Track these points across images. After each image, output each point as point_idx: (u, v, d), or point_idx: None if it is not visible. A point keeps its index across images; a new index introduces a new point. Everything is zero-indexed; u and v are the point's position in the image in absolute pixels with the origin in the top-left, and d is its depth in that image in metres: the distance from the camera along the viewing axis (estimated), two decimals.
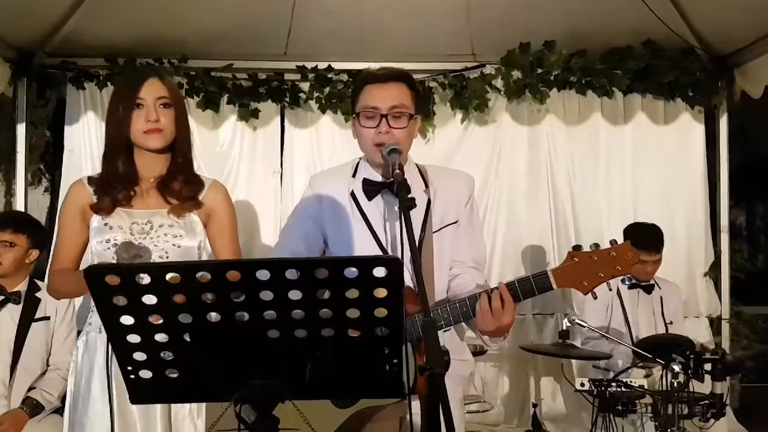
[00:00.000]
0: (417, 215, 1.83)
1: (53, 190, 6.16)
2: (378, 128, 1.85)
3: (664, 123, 4.41)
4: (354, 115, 1.94)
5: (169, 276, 1.08)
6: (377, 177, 1.94)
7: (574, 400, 4.17)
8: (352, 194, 1.93)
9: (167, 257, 1.97)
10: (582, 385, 2.62)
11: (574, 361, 3.71)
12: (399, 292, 1.09)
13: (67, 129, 4.37)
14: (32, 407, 2.81)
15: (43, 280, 3.05)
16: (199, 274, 1.09)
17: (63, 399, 2.97)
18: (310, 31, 4.27)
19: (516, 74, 4.31)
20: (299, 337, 1.15)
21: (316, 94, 4.46)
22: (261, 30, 4.25)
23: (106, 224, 1.97)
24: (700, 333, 4.12)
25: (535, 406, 3.99)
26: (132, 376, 1.20)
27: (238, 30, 4.22)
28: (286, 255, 1.96)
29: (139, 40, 4.23)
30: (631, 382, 2.54)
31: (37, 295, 2.89)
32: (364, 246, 1.86)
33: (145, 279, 1.09)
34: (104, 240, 1.96)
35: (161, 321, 1.14)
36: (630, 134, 4.40)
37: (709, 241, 4.40)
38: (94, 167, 4.31)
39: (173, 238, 1.98)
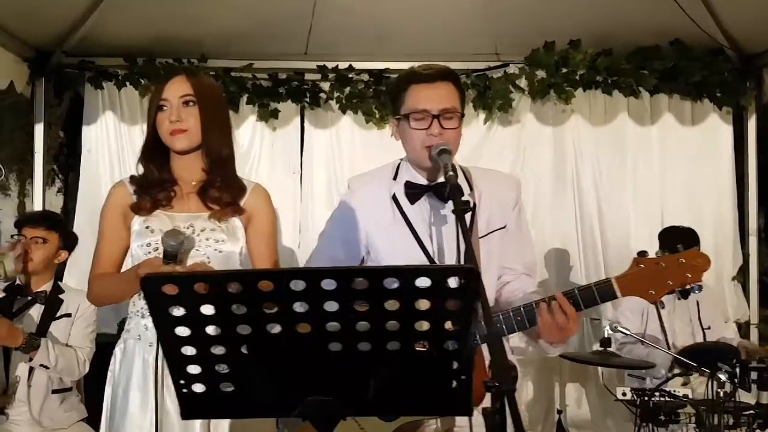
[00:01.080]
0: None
1: (66, 190, 6.13)
2: (429, 130, 1.77)
3: (691, 124, 4.32)
4: (397, 116, 1.86)
5: (229, 286, 1.02)
6: (421, 180, 1.86)
7: (599, 406, 4.10)
8: (394, 198, 1.85)
9: (209, 262, 1.90)
10: (624, 394, 2.54)
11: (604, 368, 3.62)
12: (472, 304, 1.01)
13: (84, 129, 4.33)
14: (31, 338, 2.65)
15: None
16: (261, 283, 1.02)
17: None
18: (330, 31, 4.21)
19: (540, 74, 4.24)
20: (362, 351, 1.08)
21: (336, 94, 4.40)
22: (281, 29, 4.18)
23: (147, 227, 1.91)
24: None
25: (559, 412, 3.92)
26: (185, 390, 1.14)
27: (258, 29, 4.16)
28: (325, 261, 1.89)
29: (158, 40, 4.17)
30: (674, 391, 2.46)
31: (61, 296, 2.85)
32: (408, 252, 1.78)
33: (204, 288, 1.02)
34: (145, 244, 1.89)
35: (218, 332, 1.07)
36: (657, 135, 4.31)
37: (737, 245, 4.31)
38: (112, 167, 4.27)
39: (215, 242, 1.91)
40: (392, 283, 1.00)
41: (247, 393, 1.14)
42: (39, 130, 4.28)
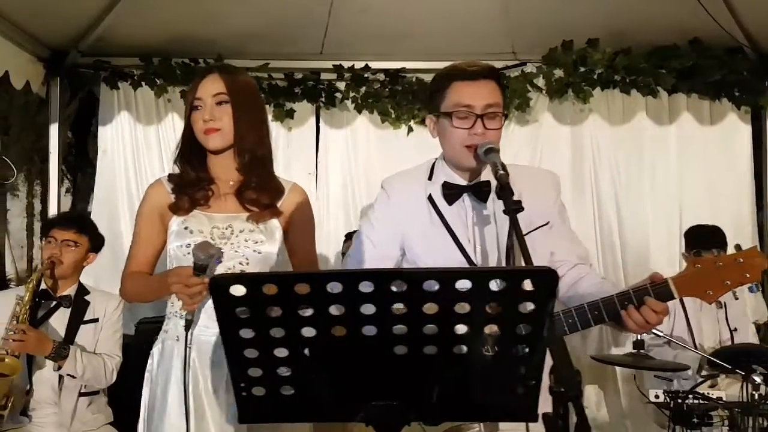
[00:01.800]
0: (503, 220, 1.72)
1: (75, 191, 6.11)
2: (472, 129, 1.72)
3: (709, 123, 4.30)
4: (436, 114, 1.81)
5: (298, 287, 0.99)
6: (459, 180, 1.81)
7: (618, 408, 4.07)
8: (430, 198, 1.80)
9: (247, 263, 1.88)
10: (656, 396, 2.51)
11: (621, 369, 3.60)
12: (547, 308, 0.99)
13: (100, 129, 4.31)
14: (60, 346, 2.62)
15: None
16: (329, 285, 1.00)
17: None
18: (346, 30, 4.18)
19: (558, 73, 4.22)
20: (428, 354, 1.06)
21: (352, 94, 4.39)
22: (297, 29, 4.16)
23: (186, 228, 1.88)
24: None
25: None
26: (244, 393, 1.11)
27: (273, 29, 4.13)
28: (361, 263, 1.84)
29: (174, 40, 4.15)
30: (708, 393, 2.43)
31: (86, 298, 2.81)
32: (446, 254, 1.73)
33: (273, 290, 1.00)
34: (184, 245, 1.87)
35: (283, 334, 1.05)
36: (675, 135, 4.30)
37: (756, 244, 4.28)
38: (128, 168, 4.25)
39: (254, 243, 1.89)
40: (465, 285, 0.98)
41: (307, 396, 1.12)
42: (54, 130, 4.27)
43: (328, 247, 4.24)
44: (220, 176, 1.96)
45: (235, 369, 1.09)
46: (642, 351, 2.50)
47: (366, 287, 0.99)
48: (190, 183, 1.92)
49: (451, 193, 1.79)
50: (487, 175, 1.78)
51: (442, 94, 1.79)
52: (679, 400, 2.38)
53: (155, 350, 1.94)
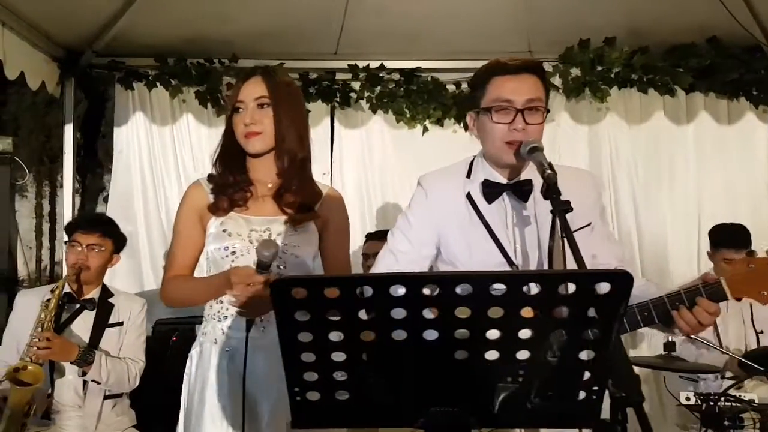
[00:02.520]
0: (544, 220, 1.70)
1: (83, 192, 6.10)
2: (512, 124, 1.68)
3: (727, 122, 4.27)
4: (476, 111, 1.78)
5: (361, 290, 0.97)
6: (499, 178, 1.77)
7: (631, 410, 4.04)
8: (469, 197, 1.77)
9: (284, 267, 1.86)
10: (687, 399, 2.48)
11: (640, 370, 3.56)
12: (619, 312, 0.96)
13: (116, 130, 4.29)
14: (85, 353, 2.61)
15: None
16: (392, 288, 0.97)
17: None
18: (362, 30, 4.16)
19: (575, 72, 4.19)
20: (489, 360, 1.04)
21: (366, 94, 4.36)
22: (312, 29, 4.14)
23: (224, 230, 1.87)
24: None
25: None
26: (298, 398, 1.09)
27: (288, 29, 4.11)
28: (404, 266, 1.79)
29: (189, 40, 4.13)
30: (741, 395, 2.40)
31: (110, 300, 2.79)
32: (484, 254, 1.70)
33: (334, 293, 0.98)
34: (222, 247, 1.85)
35: (341, 338, 1.03)
36: (692, 134, 4.27)
37: None
38: (143, 168, 4.23)
39: (291, 247, 1.88)
40: (533, 289, 0.96)
41: (363, 401, 1.10)
42: (68, 130, 4.26)
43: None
44: (259, 178, 1.94)
45: (291, 373, 1.07)
46: (673, 353, 2.48)
47: (431, 290, 0.97)
48: (229, 185, 1.91)
49: (492, 191, 1.75)
50: (527, 173, 1.75)
51: (482, 90, 1.75)
52: (711, 402, 2.35)
53: (194, 353, 1.92)
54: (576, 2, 3.96)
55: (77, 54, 4.13)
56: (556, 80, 4.23)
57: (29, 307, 2.66)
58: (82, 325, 2.73)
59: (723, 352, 2.68)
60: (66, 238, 2.87)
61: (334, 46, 4.31)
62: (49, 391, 2.64)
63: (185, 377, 1.92)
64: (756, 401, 2.42)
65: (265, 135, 1.88)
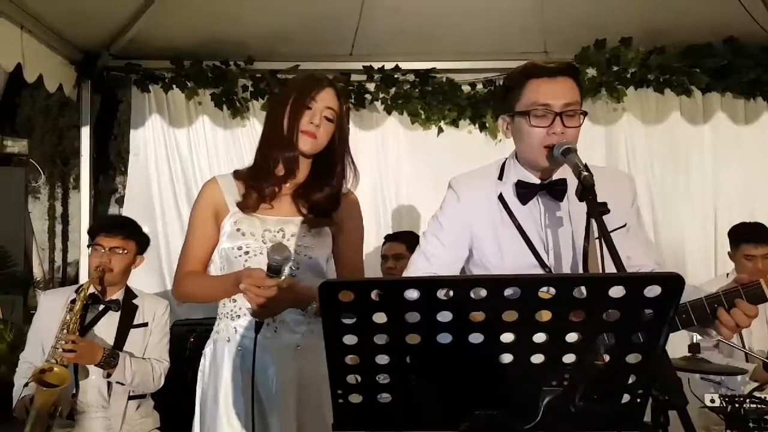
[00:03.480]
0: (579, 221, 1.69)
1: (96, 194, 6.13)
2: (551, 128, 1.68)
3: (744, 123, 4.25)
4: (511, 114, 1.77)
5: (408, 293, 0.97)
6: (533, 179, 1.77)
7: None
8: (501, 198, 1.77)
9: (297, 268, 1.87)
10: (712, 401, 2.47)
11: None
12: (668, 316, 0.96)
13: (132, 132, 4.30)
14: (109, 355, 2.62)
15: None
16: (439, 292, 0.97)
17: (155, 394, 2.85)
18: (376, 31, 4.16)
19: (591, 72, 4.17)
20: (535, 363, 1.04)
21: (381, 95, 4.36)
22: (327, 30, 4.14)
23: (238, 229, 1.89)
24: None
25: None
26: (341, 400, 1.09)
27: (304, 31, 4.12)
28: (437, 268, 1.80)
29: (205, 42, 4.14)
30: (765, 397, 2.39)
31: (134, 302, 2.81)
32: (517, 255, 1.70)
33: (380, 296, 0.98)
34: (235, 247, 1.88)
35: (386, 341, 1.03)
36: (709, 134, 4.25)
37: None
38: (160, 171, 4.24)
39: (304, 248, 1.89)
40: (582, 293, 0.95)
41: (405, 404, 1.10)
42: (85, 132, 4.27)
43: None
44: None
45: (334, 375, 1.07)
46: (698, 355, 2.47)
47: (479, 293, 0.97)
48: (265, 174, 1.92)
49: (526, 192, 1.75)
50: (561, 173, 1.75)
51: (517, 93, 1.74)
52: (736, 405, 2.34)
53: (207, 351, 1.95)
54: (592, 2, 3.95)
55: (94, 57, 4.15)
56: None
57: (54, 307, 2.67)
58: (107, 327, 2.74)
59: (749, 354, 2.65)
60: (89, 241, 2.87)
61: (348, 48, 4.31)
62: (74, 392, 2.65)
63: (199, 374, 1.95)
64: None
65: (317, 142, 1.93)
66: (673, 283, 0.94)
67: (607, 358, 1.01)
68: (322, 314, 1.01)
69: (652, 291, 0.94)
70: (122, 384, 2.63)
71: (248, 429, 1.83)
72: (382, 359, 1.05)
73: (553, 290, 0.95)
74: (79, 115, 4.31)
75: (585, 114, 1.74)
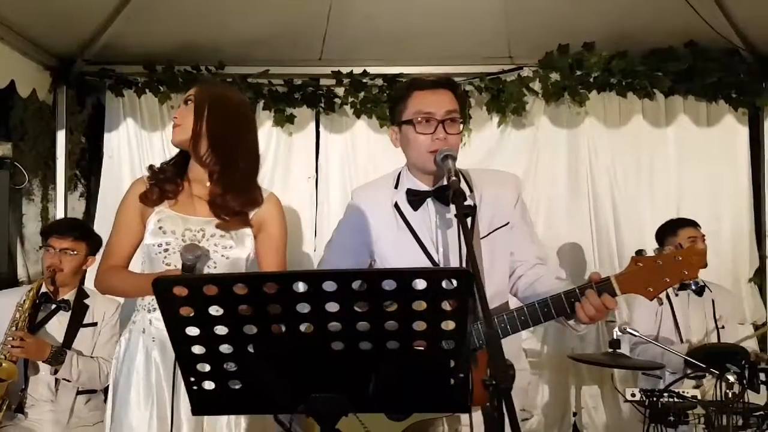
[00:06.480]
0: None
1: (89, 195, 6.24)
2: (434, 134, 1.81)
3: (707, 125, 4.31)
4: (398, 123, 1.91)
5: (236, 287, 1.06)
6: (422, 186, 1.90)
7: (615, 409, 4.09)
8: (396, 206, 1.91)
9: (215, 267, 1.96)
10: (632, 395, 2.55)
11: (619, 371, 3.62)
12: (467, 305, 1.05)
13: (106, 136, 4.41)
14: (57, 352, 2.71)
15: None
16: (266, 286, 1.07)
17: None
18: (345, 36, 4.25)
19: (554, 76, 4.25)
20: (363, 350, 1.13)
21: (350, 99, 4.45)
22: (297, 36, 4.24)
23: (160, 228, 1.98)
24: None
25: (575, 415, 3.92)
26: (195, 387, 1.19)
27: (274, 36, 4.21)
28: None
29: (177, 47, 4.24)
30: (683, 392, 2.47)
31: (86, 302, 2.91)
32: (411, 258, 1.82)
33: (213, 290, 1.07)
34: (156, 244, 1.96)
35: (226, 332, 1.12)
36: (672, 137, 4.31)
37: (753, 247, 4.28)
38: (133, 173, 4.34)
39: (223, 249, 1.98)
40: (390, 285, 1.04)
41: (254, 390, 1.19)
42: (61, 136, 4.38)
43: None
44: (194, 177, 2.04)
45: (184, 364, 1.16)
46: (618, 350, 2.55)
47: (301, 287, 1.06)
48: (166, 179, 2.01)
49: (416, 198, 1.88)
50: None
51: (403, 105, 1.89)
52: (654, 399, 2.41)
53: (123, 339, 2.04)
54: (556, 8, 4.02)
55: (69, 62, 4.26)
56: (536, 85, 4.29)
57: (6, 307, 2.78)
58: (57, 325, 2.85)
59: (676, 353, 2.71)
60: (42, 242, 2.98)
61: (318, 53, 4.41)
62: (23, 387, 2.76)
63: (114, 361, 2.05)
64: (700, 397, 2.47)
65: (181, 128, 1.99)
66: (464, 277, 1.03)
67: (424, 344, 1.10)
68: (159, 308, 1.10)
69: (449, 284, 1.03)
70: (68, 381, 2.73)
71: (163, 416, 1.90)
72: (226, 348, 1.14)
73: (365, 285, 1.04)
74: (54, 119, 4.42)
75: (463, 122, 1.85)
